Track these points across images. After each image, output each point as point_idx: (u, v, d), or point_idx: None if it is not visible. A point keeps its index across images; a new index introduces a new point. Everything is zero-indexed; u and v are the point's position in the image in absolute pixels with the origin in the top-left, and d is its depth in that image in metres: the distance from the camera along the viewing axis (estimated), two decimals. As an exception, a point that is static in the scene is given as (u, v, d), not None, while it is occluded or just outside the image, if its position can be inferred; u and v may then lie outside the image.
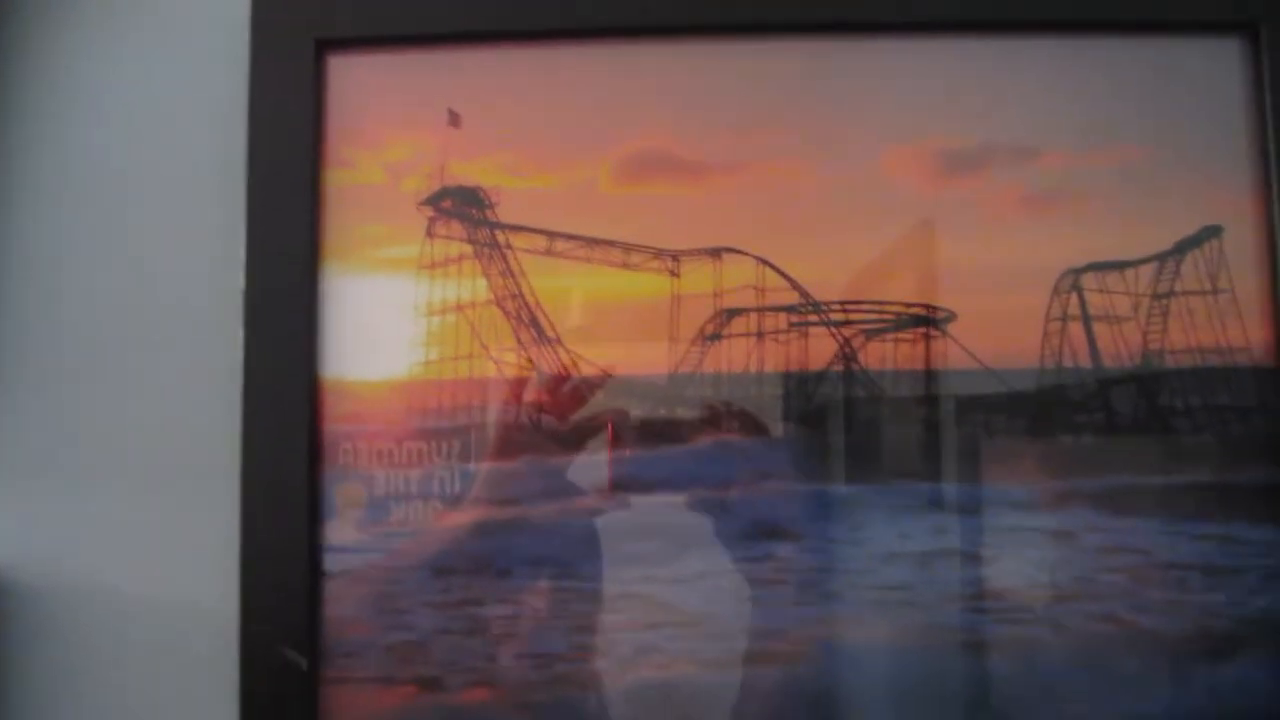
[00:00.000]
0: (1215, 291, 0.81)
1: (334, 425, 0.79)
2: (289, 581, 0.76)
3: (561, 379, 0.80)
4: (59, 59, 0.86)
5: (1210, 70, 0.83)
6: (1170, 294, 0.81)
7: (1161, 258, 0.82)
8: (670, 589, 0.77)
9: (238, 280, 0.79)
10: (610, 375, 0.81)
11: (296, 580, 0.76)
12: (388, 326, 0.82)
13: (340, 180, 0.82)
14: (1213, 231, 0.81)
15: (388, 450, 0.80)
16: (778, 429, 0.81)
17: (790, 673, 0.77)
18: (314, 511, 0.78)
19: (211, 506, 0.78)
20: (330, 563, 0.78)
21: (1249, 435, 0.80)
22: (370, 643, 0.77)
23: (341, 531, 0.78)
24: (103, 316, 0.84)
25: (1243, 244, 0.81)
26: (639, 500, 0.79)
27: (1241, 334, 0.81)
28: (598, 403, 0.80)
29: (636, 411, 0.80)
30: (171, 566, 0.81)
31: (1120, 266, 0.82)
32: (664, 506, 0.78)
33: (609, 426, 0.79)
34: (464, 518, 0.79)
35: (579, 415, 0.80)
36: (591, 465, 0.79)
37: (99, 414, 0.83)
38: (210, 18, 0.84)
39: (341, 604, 0.77)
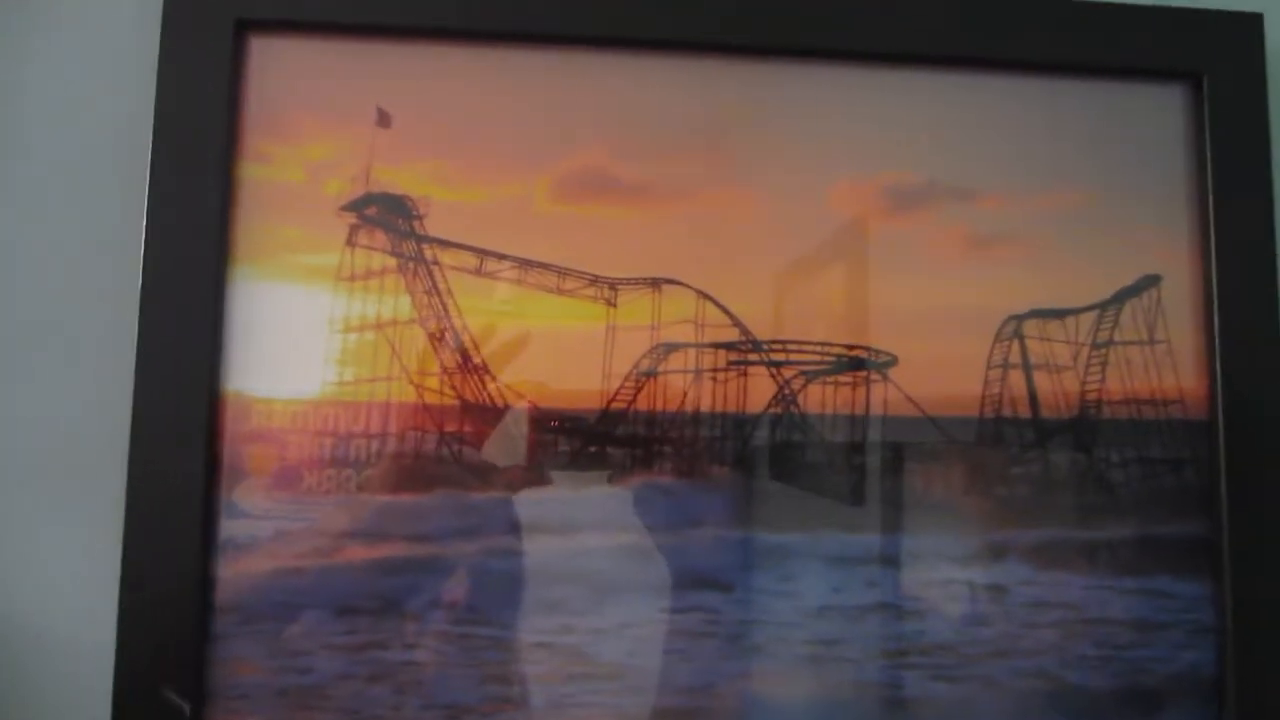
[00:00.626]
0: (1152, 342, 0.81)
1: (234, 446, 0.73)
2: (174, 614, 0.71)
3: (484, 406, 0.76)
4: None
5: (1153, 117, 0.83)
6: (1109, 343, 0.81)
7: (1102, 306, 0.81)
8: (591, 638, 0.74)
9: (135, 280, 0.73)
10: (538, 407, 0.76)
11: (183, 613, 0.71)
12: (300, 341, 0.76)
13: (255, 175, 0.76)
14: (1151, 281, 0.81)
15: (293, 476, 0.74)
16: (711, 472, 0.77)
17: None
18: (207, 538, 0.72)
19: (92, 527, 0.73)
20: (222, 594, 0.72)
21: (1180, 488, 0.80)
22: (263, 685, 0.72)
23: (236, 561, 0.72)
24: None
25: (1180, 294, 0.82)
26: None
27: (1176, 386, 0.81)
28: (520, 434, 0.76)
29: (564, 447, 0.76)
30: (45, 593, 0.75)
31: (1061, 314, 0.81)
32: (588, 490, 0.75)
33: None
34: (371, 554, 0.74)
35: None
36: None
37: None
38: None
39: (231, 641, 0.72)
